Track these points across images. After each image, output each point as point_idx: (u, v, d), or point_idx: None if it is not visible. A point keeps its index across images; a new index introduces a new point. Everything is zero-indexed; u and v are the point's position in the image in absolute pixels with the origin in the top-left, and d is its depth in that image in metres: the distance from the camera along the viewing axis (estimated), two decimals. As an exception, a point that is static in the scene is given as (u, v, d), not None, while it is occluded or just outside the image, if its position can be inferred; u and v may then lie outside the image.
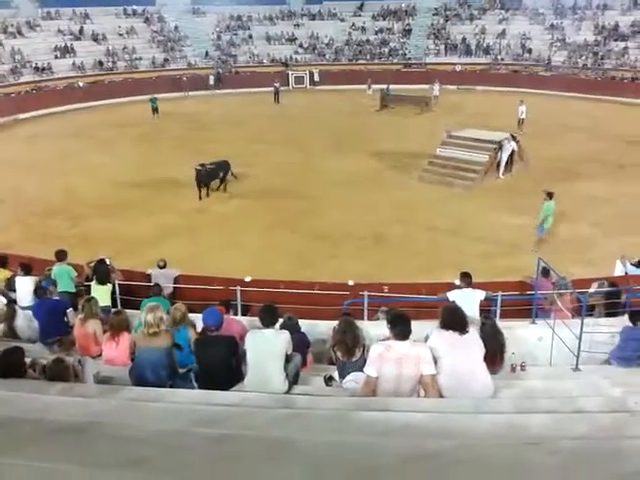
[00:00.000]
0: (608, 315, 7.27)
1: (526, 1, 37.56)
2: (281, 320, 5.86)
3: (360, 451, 3.02)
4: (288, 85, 34.05)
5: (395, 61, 36.86)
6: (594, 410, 3.80)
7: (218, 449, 3.06)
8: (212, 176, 15.82)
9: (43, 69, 31.66)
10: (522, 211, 13.69)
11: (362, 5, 39.66)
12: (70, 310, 6.91)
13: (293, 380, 4.85)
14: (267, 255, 11.96)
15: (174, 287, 8.92)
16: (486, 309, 6.97)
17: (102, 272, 8.03)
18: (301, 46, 38.00)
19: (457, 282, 7.25)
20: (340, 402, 4.15)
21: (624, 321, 6.20)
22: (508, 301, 7.62)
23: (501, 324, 5.95)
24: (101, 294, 7.55)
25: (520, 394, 4.86)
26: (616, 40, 33.34)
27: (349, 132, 22.73)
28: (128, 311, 6.63)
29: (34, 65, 31.50)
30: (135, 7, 36.98)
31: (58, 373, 4.51)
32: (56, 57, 32.73)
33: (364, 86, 32.41)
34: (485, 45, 36.31)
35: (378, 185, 16.35)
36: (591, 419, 3.54)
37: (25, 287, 7.71)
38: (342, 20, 39.36)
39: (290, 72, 35.07)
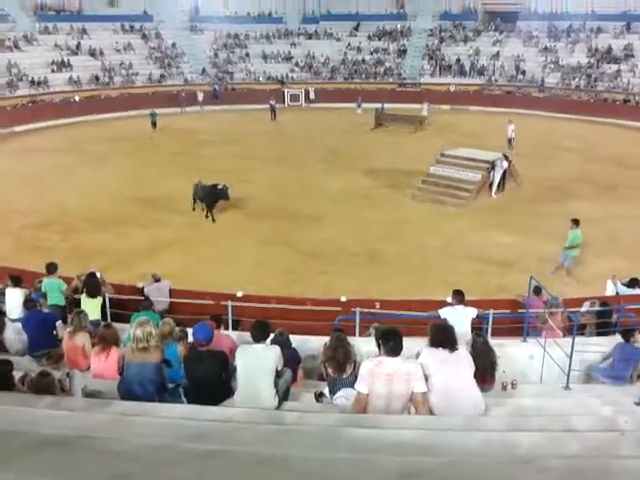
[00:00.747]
0: (599, 334, 7.31)
1: (520, 24, 38.11)
2: (272, 335, 5.84)
3: (350, 468, 2.99)
4: (284, 102, 34.27)
5: (390, 80, 37.23)
6: (584, 429, 3.81)
7: (205, 465, 3.01)
8: (209, 196, 15.24)
9: (39, 83, 31.73)
10: (514, 230, 13.79)
11: (358, 25, 40.13)
12: (59, 323, 6.86)
13: (283, 396, 4.82)
14: (259, 270, 11.93)
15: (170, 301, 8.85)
16: (478, 327, 6.98)
17: (92, 285, 7.97)
18: (297, 65, 38.34)
19: (449, 299, 7.27)
20: (330, 419, 4.13)
21: (615, 340, 6.23)
22: (499, 319, 7.62)
23: (492, 342, 5.97)
24: (91, 307, 7.51)
25: (511, 412, 4.86)
26: (609, 63, 33.77)
27: (344, 150, 22.85)
28: (118, 325, 6.60)
29: (30, 79, 31.57)
30: (133, 23, 37.30)
31: (43, 387, 4.47)
32: (52, 71, 32.82)
33: (354, 104, 32.61)
34: (479, 66, 36.75)
35: (372, 203, 16.40)
36: (581, 438, 3.54)
37: (15, 299, 7.65)
38: (338, 40, 39.80)
39: (286, 90, 35.36)
